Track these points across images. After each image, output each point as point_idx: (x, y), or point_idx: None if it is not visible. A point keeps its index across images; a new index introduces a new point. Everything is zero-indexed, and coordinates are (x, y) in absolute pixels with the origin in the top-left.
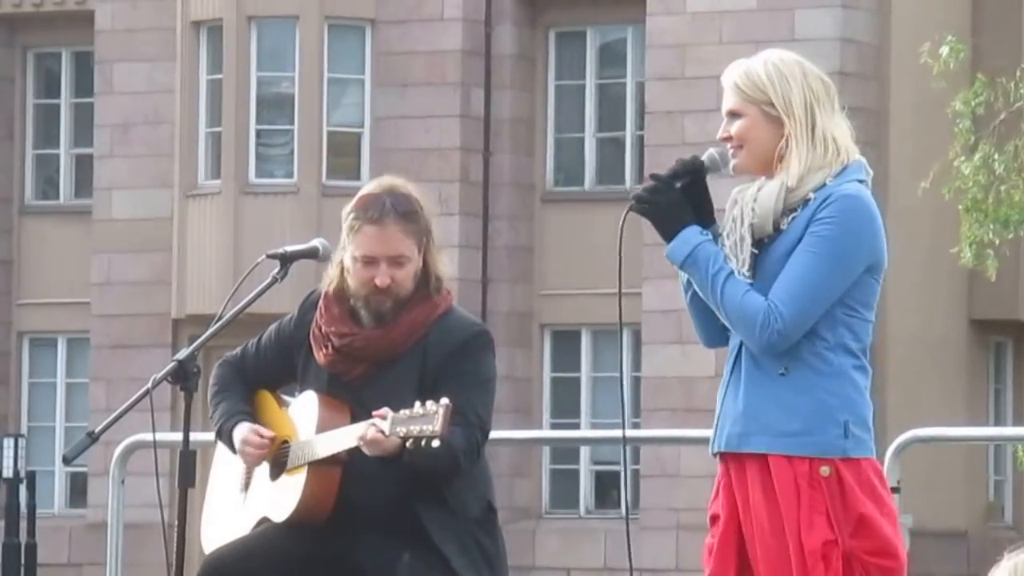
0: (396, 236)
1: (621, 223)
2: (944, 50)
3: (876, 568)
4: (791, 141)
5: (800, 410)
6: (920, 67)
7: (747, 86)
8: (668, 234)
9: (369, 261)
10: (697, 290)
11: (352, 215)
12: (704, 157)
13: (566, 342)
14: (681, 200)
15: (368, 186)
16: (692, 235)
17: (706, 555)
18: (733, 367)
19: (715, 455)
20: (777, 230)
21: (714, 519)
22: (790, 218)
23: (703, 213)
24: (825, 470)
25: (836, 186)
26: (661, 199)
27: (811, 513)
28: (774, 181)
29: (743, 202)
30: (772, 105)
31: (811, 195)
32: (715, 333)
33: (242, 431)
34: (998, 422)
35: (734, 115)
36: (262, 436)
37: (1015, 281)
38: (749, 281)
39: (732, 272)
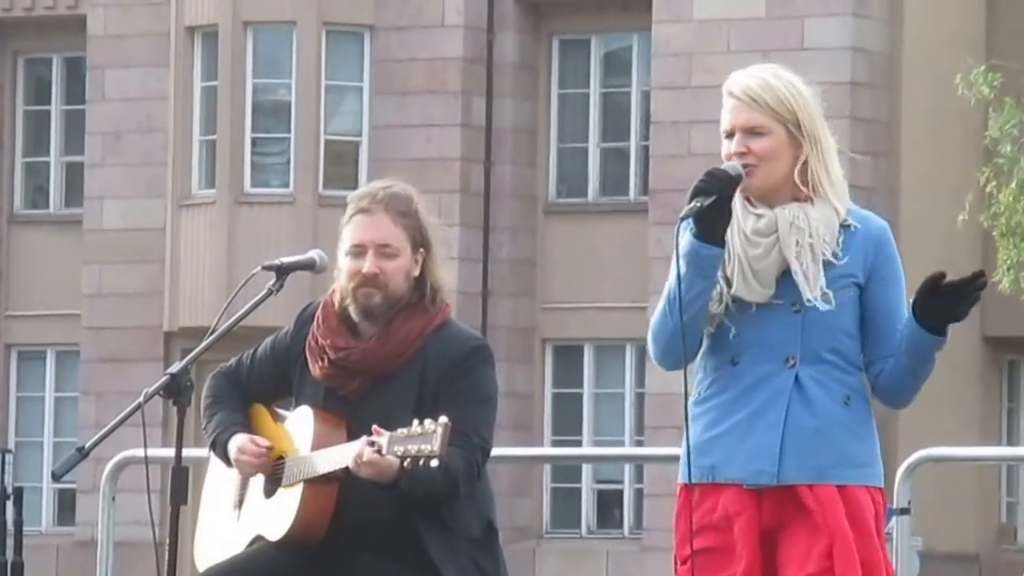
0: (385, 224)
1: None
2: (975, 74)
3: None
4: (821, 167)
5: (865, 440)
6: (933, 77)
7: (773, 102)
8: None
9: (358, 251)
10: (923, 355)
11: (347, 210)
12: (734, 171)
13: (568, 357)
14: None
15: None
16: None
17: None
18: (791, 395)
19: (758, 487)
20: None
21: (711, 552)
22: (839, 243)
23: (724, 230)
24: (880, 501)
25: (859, 212)
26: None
27: (881, 544)
28: (822, 208)
29: (811, 227)
30: (799, 126)
31: (849, 221)
32: (692, 355)
33: (239, 440)
34: (1011, 441)
35: (755, 131)
36: (259, 445)
37: None
38: (824, 299)
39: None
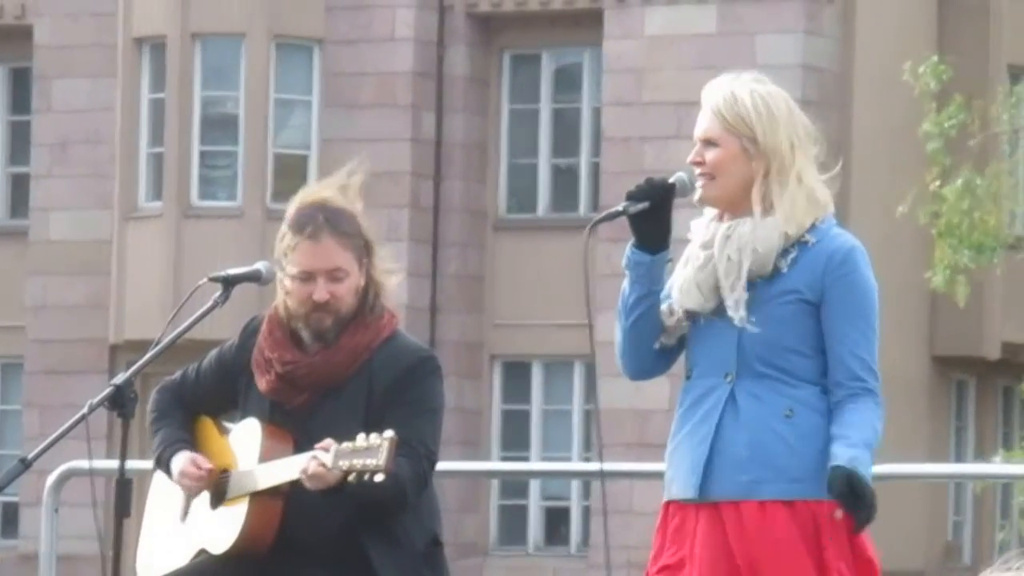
0: (332, 250)
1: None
2: (923, 68)
3: None
4: (777, 184)
5: (810, 453)
6: (883, 95)
7: (731, 116)
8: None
9: (307, 277)
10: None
11: (287, 233)
12: (674, 179)
13: (517, 374)
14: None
15: (299, 200)
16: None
17: None
18: (724, 410)
19: (690, 502)
20: (774, 270)
21: (669, 569)
22: (788, 259)
23: (663, 238)
24: (838, 514)
25: (829, 230)
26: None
27: (837, 561)
28: (769, 222)
29: (740, 242)
30: (755, 141)
31: (807, 237)
32: (647, 365)
33: (180, 461)
34: (959, 461)
35: (710, 142)
36: (200, 467)
37: (978, 317)
38: (748, 321)
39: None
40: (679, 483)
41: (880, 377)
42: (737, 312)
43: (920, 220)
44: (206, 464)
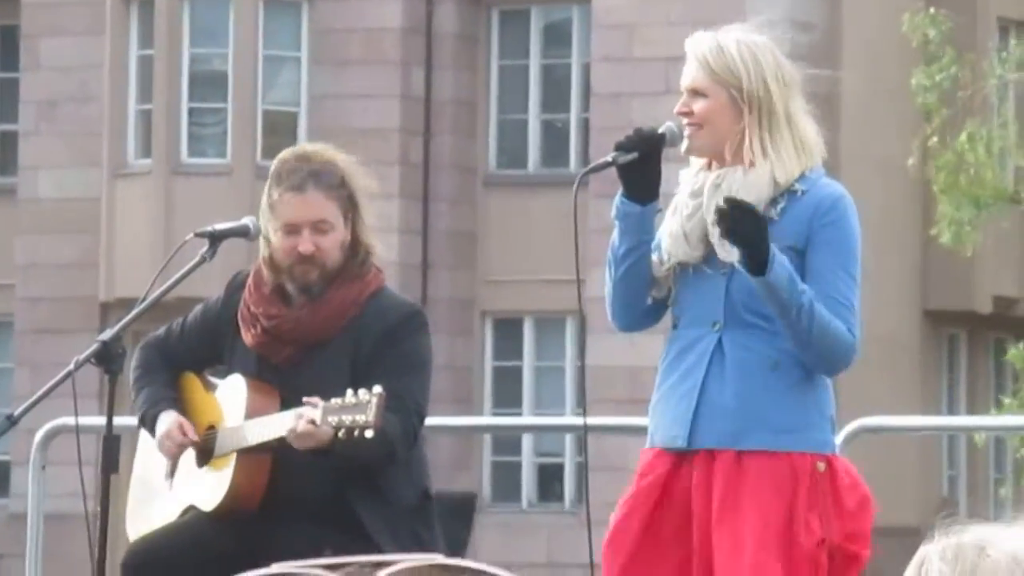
0: (317, 201)
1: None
2: (920, 18)
3: (848, 553)
4: (766, 132)
5: (795, 405)
6: (872, 50)
7: (719, 66)
8: (759, 253)
9: (292, 229)
10: (774, 308)
11: (272, 185)
12: (663, 129)
13: (508, 330)
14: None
15: (284, 153)
16: (778, 254)
17: (617, 537)
18: (711, 360)
19: (676, 451)
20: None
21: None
22: (778, 208)
23: (653, 188)
24: (821, 466)
25: (818, 180)
26: (750, 226)
27: (808, 512)
28: (759, 170)
29: (730, 190)
30: (742, 91)
31: (796, 186)
32: (637, 316)
33: (166, 423)
34: (952, 415)
35: (697, 93)
36: (186, 434)
37: (969, 271)
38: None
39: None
40: (663, 431)
41: (861, 326)
42: (731, 255)
43: (926, 174)
44: (192, 434)
